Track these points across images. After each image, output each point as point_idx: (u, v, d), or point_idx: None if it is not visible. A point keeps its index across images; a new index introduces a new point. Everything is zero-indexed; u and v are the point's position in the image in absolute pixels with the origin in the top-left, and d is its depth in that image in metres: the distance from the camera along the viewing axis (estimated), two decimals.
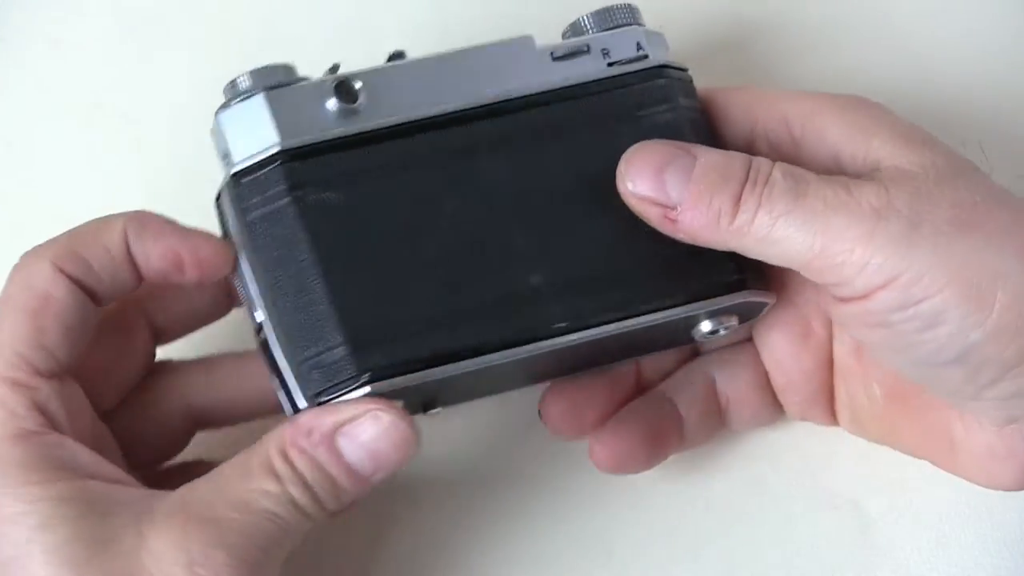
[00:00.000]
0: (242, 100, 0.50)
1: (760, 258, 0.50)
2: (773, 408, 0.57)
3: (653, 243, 0.51)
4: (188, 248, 0.50)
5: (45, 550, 0.47)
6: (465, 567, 0.58)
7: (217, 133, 0.51)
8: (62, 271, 0.50)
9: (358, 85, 0.50)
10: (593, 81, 0.52)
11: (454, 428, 0.58)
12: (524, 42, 0.52)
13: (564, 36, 0.53)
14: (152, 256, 0.50)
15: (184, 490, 0.49)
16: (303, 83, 0.50)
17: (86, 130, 0.63)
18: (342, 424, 0.49)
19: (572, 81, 0.52)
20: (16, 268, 0.51)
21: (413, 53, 0.52)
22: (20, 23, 0.65)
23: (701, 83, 0.54)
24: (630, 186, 0.50)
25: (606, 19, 0.53)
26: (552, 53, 0.52)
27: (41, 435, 0.49)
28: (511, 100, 0.51)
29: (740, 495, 0.59)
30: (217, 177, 0.51)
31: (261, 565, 0.48)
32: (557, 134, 0.51)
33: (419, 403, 0.51)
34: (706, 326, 0.52)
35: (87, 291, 0.50)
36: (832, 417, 0.56)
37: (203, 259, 0.50)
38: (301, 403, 0.49)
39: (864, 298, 0.49)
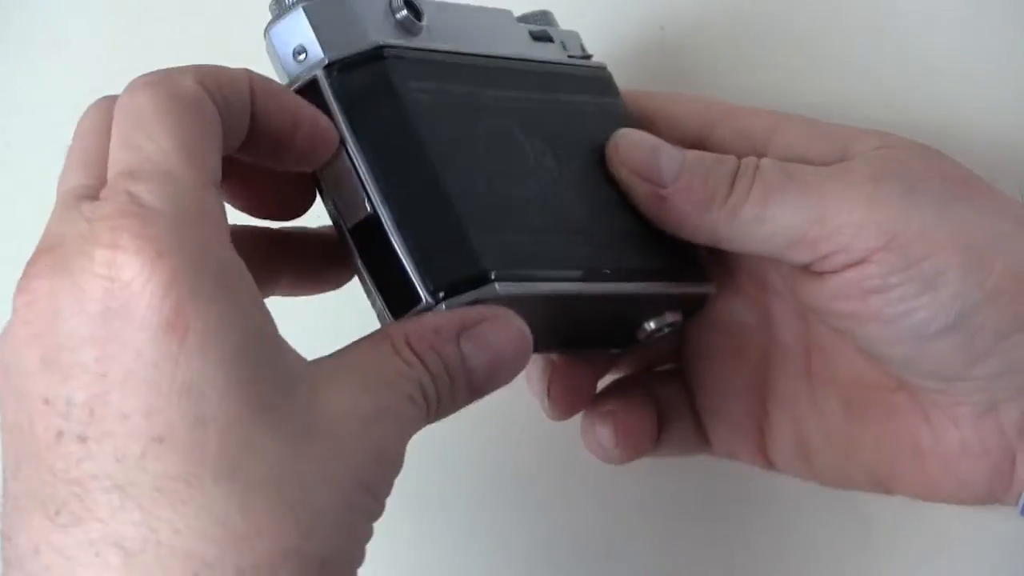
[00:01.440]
0: None
1: (742, 246, 0.50)
2: (700, 437, 0.56)
3: (637, 219, 0.52)
4: (306, 112, 0.46)
5: (231, 382, 0.41)
6: (461, 560, 0.58)
7: (291, 28, 0.48)
8: (204, 86, 0.44)
9: (422, 7, 0.50)
10: (566, 65, 0.54)
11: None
12: (508, 15, 0.54)
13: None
14: (271, 110, 0.46)
15: (329, 360, 0.45)
16: None
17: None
18: (470, 326, 0.46)
19: (549, 61, 0.54)
20: (150, 80, 0.45)
21: None
22: (20, 23, 0.65)
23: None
24: (627, 160, 0.51)
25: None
26: (530, 32, 0.54)
27: (229, 249, 0.43)
28: (520, 60, 0.52)
29: (740, 495, 0.59)
30: None
31: (405, 443, 0.45)
32: (558, 103, 0.52)
33: None
34: (651, 325, 0.52)
35: (224, 119, 0.45)
36: (761, 454, 0.55)
37: (317, 127, 0.47)
38: (425, 296, 0.46)
39: (861, 263, 0.49)
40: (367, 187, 0.47)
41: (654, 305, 0.52)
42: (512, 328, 0.46)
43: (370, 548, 0.57)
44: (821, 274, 0.50)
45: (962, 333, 0.49)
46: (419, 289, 0.46)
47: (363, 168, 0.47)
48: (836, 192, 0.49)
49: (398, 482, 0.46)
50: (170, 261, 0.41)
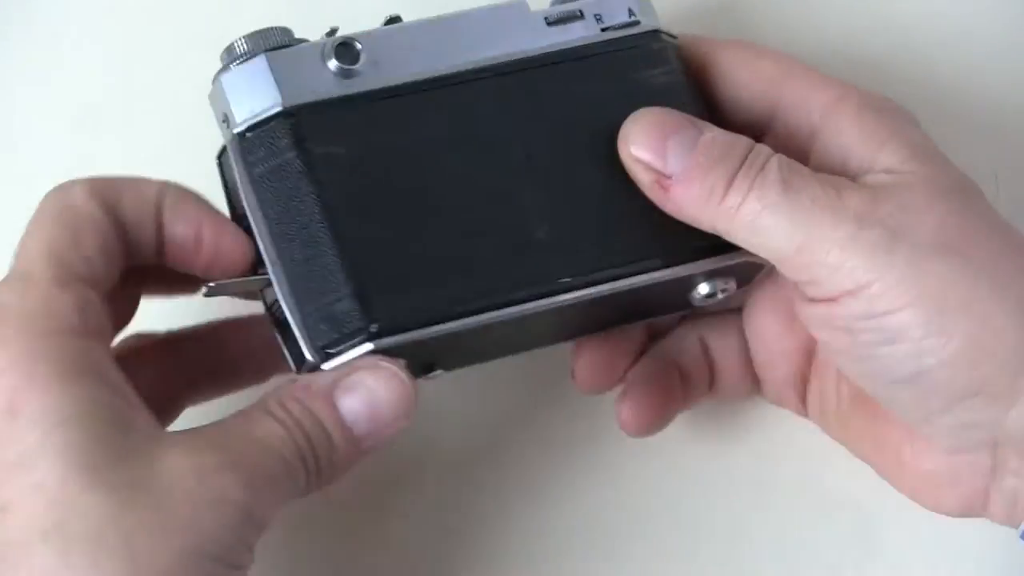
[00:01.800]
0: (243, 62, 0.50)
1: (742, 245, 0.51)
2: (752, 382, 0.57)
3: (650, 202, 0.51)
4: (212, 228, 0.50)
5: (59, 449, 0.45)
6: (472, 536, 0.58)
7: (217, 95, 0.51)
8: (98, 195, 0.49)
9: (359, 47, 0.51)
10: (587, 45, 0.53)
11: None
12: (518, 6, 0.53)
13: (553, 1, 0.54)
14: (178, 224, 0.50)
15: (195, 429, 0.48)
16: (303, 45, 0.51)
17: (85, 130, 0.63)
18: (342, 378, 0.48)
19: (566, 45, 0.53)
20: (51, 192, 0.50)
21: (408, 18, 0.52)
22: (20, 23, 0.65)
23: None
24: (632, 148, 0.51)
25: None
26: (546, 18, 0.53)
27: (78, 336, 0.47)
28: (508, 62, 0.52)
29: (741, 495, 0.59)
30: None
31: (266, 496, 0.47)
32: (555, 95, 0.52)
33: (419, 365, 0.50)
34: (704, 288, 0.53)
35: (117, 225, 0.49)
36: (803, 406, 0.56)
37: (223, 245, 0.50)
38: (309, 355, 0.49)
39: (832, 301, 0.49)
40: (262, 254, 0.49)
41: (709, 276, 0.53)
42: (389, 375, 0.48)
43: (374, 516, 0.57)
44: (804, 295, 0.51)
45: (918, 389, 0.49)
46: (304, 349, 0.48)
47: (259, 236, 0.49)
48: (822, 227, 0.49)
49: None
50: (6, 350, 0.46)
